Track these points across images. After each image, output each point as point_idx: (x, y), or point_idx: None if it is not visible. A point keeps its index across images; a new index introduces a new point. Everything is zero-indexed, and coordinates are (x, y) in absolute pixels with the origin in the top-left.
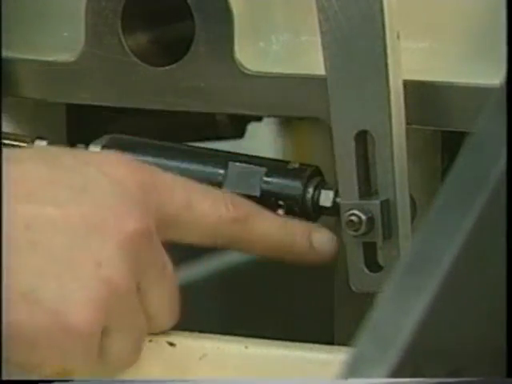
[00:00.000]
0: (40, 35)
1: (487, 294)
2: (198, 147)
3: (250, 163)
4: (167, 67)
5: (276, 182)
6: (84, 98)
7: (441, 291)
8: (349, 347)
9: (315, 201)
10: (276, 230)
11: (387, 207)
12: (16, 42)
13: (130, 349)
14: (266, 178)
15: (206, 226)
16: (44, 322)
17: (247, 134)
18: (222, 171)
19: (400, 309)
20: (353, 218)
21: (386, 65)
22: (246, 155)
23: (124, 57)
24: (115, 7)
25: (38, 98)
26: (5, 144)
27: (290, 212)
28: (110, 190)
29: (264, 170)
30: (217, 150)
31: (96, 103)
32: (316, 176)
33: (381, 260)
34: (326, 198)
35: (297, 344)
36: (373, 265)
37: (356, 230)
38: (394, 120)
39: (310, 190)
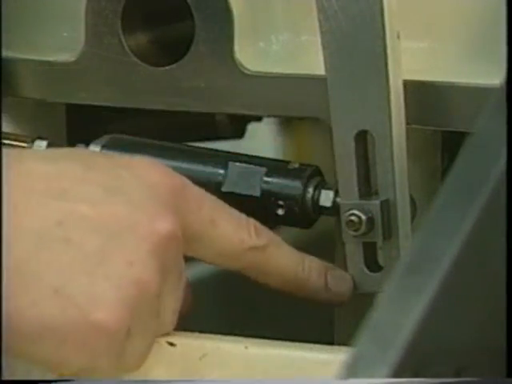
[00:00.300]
0: (40, 35)
1: (487, 294)
2: (198, 147)
3: (250, 163)
4: (167, 67)
5: (276, 182)
6: (84, 97)
7: (441, 291)
8: (349, 347)
9: (315, 201)
10: (293, 264)
11: (387, 207)
12: (16, 42)
13: (143, 351)
14: (266, 178)
15: (227, 247)
16: (73, 317)
17: (247, 134)
18: (221, 171)
19: (400, 309)
20: (353, 217)
21: (386, 65)
22: (246, 155)
23: (124, 57)
24: (115, 7)
25: (37, 98)
26: (5, 144)
27: (289, 212)
28: (143, 192)
29: (264, 169)
30: (217, 150)
31: (96, 103)
32: (316, 176)
33: (381, 260)
34: (326, 198)
35: (297, 344)
36: (373, 265)
37: (356, 230)
38: (393, 120)
39: (310, 189)
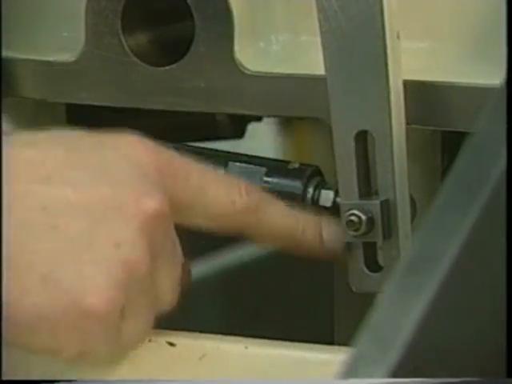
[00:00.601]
0: (40, 35)
1: (487, 294)
2: (198, 147)
3: (250, 163)
4: (167, 67)
5: (276, 182)
6: (84, 97)
7: (441, 291)
8: (349, 347)
9: (315, 201)
10: (287, 220)
11: (387, 207)
12: (16, 42)
13: (141, 330)
14: (266, 178)
15: (219, 211)
16: (63, 303)
17: (247, 134)
18: (222, 171)
19: (400, 309)
20: (353, 217)
21: (386, 65)
22: (246, 155)
23: (124, 57)
24: (115, 7)
25: (37, 98)
26: None
27: None
28: (129, 171)
29: (264, 169)
30: (217, 150)
31: (96, 103)
32: (316, 176)
33: (381, 260)
34: (326, 198)
35: (297, 344)
36: (373, 265)
37: (356, 230)
38: (393, 120)
39: (310, 190)
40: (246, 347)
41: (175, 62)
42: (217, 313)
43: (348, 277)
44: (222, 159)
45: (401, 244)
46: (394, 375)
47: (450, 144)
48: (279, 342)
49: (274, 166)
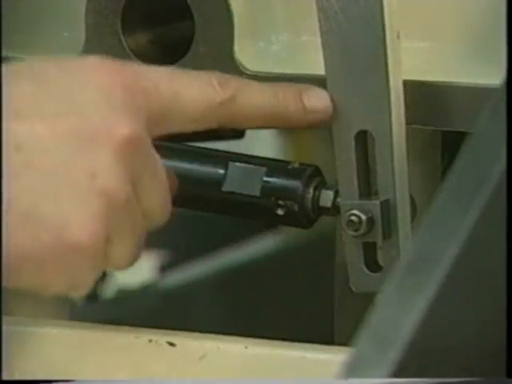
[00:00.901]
0: (40, 35)
1: (487, 294)
2: (198, 147)
3: (250, 163)
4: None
5: (276, 182)
6: None
7: (441, 291)
8: (349, 347)
9: (315, 201)
10: (268, 101)
11: (387, 207)
12: (16, 42)
13: (132, 250)
14: (266, 178)
15: (197, 111)
16: (47, 240)
17: (247, 134)
18: (221, 171)
19: (400, 309)
20: (353, 217)
21: (386, 65)
22: (246, 155)
23: (124, 57)
24: (115, 7)
25: None
26: None
27: (289, 212)
28: (95, 97)
29: (264, 169)
30: (217, 150)
31: None
32: (316, 176)
33: (381, 260)
34: (326, 198)
35: (297, 344)
36: (373, 265)
37: (356, 230)
38: (393, 120)
39: (310, 190)
40: (246, 347)
41: (175, 62)
42: (217, 313)
43: (348, 277)
44: (222, 159)
45: (401, 244)
46: (394, 375)
47: (450, 144)
48: (279, 342)
49: (274, 166)
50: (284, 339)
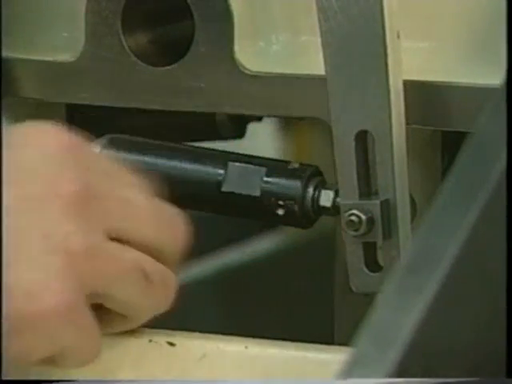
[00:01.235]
0: (40, 35)
1: (487, 294)
2: (198, 147)
3: (250, 163)
4: (167, 67)
5: (276, 182)
6: (84, 97)
7: (441, 291)
8: (349, 347)
9: (315, 201)
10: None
11: (387, 207)
12: (16, 42)
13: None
14: (266, 178)
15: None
16: (20, 308)
17: (247, 134)
18: (221, 171)
19: (400, 309)
20: (353, 217)
21: (386, 65)
22: (246, 155)
23: (124, 57)
24: (115, 7)
25: (37, 98)
26: None
27: (289, 212)
28: (40, 160)
29: (264, 169)
30: (217, 150)
31: (96, 103)
32: (316, 176)
33: (381, 260)
34: (326, 198)
35: (297, 344)
36: (373, 265)
37: (356, 230)
38: (393, 120)
39: (310, 189)
40: (246, 347)
41: (175, 62)
42: (217, 313)
43: (348, 277)
44: (222, 159)
45: (401, 244)
46: (394, 375)
47: (450, 144)
48: (279, 342)
49: (274, 166)
50: (284, 339)
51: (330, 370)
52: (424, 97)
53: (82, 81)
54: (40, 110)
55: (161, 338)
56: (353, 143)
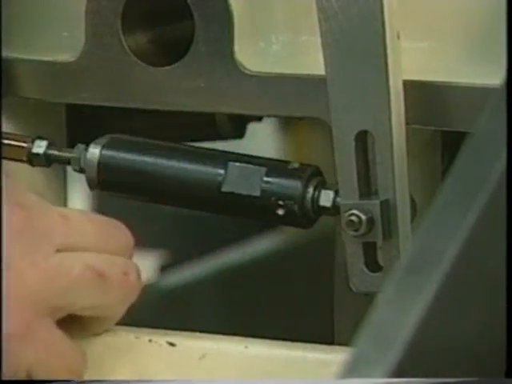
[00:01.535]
0: (40, 35)
1: (487, 294)
2: (198, 147)
3: (250, 163)
4: (167, 67)
5: (276, 182)
6: (84, 97)
7: (441, 291)
8: (349, 347)
9: (315, 201)
10: None
11: (387, 207)
12: (16, 42)
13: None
14: (266, 178)
15: None
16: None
17: (247, 134)
18: (221, 171)
19: (400, 309)
20: (353, 217)
21: (386, 65)
22: (246, 155)
23: (124, 57)
24: (115, 7)
25: (37, 98)
26: (4, 144)
27: (289, 212)
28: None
29: (264, 169)
30: (217, 150)
31: (96, 103)
32: (316, 176)
33: (381, 260)
34: (326, 198)
35: (297, 344)
36: (373, 265)
37: (356, 230)
38: (393, 120)
39: (310, 189)
40: (246, 347)
41: (175, 61)
42: (217, 313)
43: (348, 277)
44: (222, 159)
45: (401, 244)
46: (394, 375)
47: (450, 144)
48: (279, 342)
49: (274, 166)
50: (284, 339)
51: (329, 370)
52: (424, 97)
53: (82, 81)
54: (40, 110)
55: (161, 337)
56: (353, 143)
